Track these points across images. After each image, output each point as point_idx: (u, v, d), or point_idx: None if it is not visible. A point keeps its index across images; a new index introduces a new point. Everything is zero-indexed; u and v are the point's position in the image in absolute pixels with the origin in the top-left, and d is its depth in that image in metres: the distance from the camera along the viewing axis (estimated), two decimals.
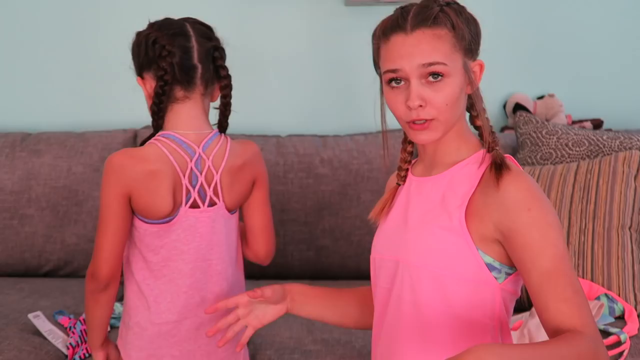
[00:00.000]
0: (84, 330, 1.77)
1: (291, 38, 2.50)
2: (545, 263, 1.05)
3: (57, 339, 1.76)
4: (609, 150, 2.10)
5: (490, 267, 1.12)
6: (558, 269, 1.05)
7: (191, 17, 1.55)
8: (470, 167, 1.17)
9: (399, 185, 1.30)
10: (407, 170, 1.29)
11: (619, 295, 1.87)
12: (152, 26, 1.53)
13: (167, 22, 1.53)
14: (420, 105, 1.12)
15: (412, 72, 1.11)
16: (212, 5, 2.43)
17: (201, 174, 1.50)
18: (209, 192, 1.51)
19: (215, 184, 1.51)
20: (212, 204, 1.51)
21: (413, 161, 1.30)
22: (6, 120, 2.49)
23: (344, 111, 2.52)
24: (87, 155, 2.27)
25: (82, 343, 1.74)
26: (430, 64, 1.11)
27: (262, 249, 1.63)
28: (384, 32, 1.16)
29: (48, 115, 2.49)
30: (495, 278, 1.12)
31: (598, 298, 1.84)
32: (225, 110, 1.56)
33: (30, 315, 1.81)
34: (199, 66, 1.49)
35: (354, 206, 2.25)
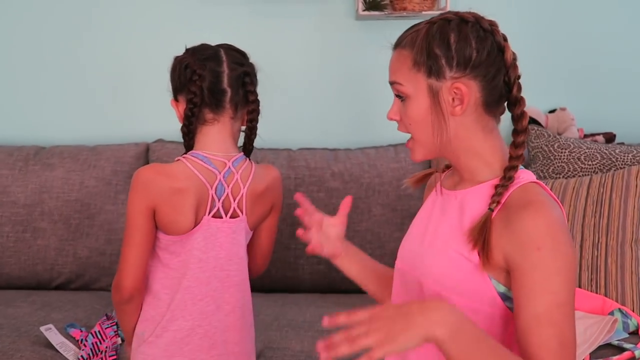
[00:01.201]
0: (95, 343, 1.78)
1: (302, 52, 2.51)
2: (538, 308, 1.00)
3: (69, 351, 1.76)
4: (621, 164, 2.09)
5: (504, 297, 1.08)
6: (550, 318, 1.00)
7: (226, 44, 1.60)
8: (492, 190, 1.11)
9: (436, 171, 1.28)
10: (449, 167, 1.26)
11: (633, 310, 1.85)
12: (188, 51, 1.58)
13: (202, 47, 1.58)
14: (395, 119, 1.17)
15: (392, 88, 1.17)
16: (224, 20, 2.46)
17: (228, 186, 1.54)
18: (234, 204, 1.55)
19: (241, 197, 1.55)
20: (234, 216, 1.55)
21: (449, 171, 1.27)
22: (20, 134, 2.51)
23: (355, 125, 2.52)
24: (99, 169, 2.29)
25: (93, 356, 1.74)
26: (392, 83, 1.15)
27: (256, 266, 1.70)
28: None
29: (61, 129, 2.52)
30: (509, 308, 1.09)
31: (612, 313, 1.83)
32: (250, 134, 1.60)
33: (42, 328, 1.82)
34: (229, 90, 1.54)
35: (365, 220, 2.25)
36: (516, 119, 1.14)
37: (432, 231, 1.18)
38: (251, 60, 1.61)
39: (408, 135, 1.20)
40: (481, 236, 1.06)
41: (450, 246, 1.12)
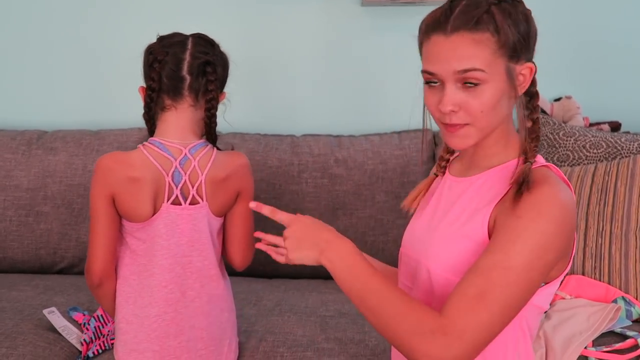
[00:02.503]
0: (98, 327, 1.78)
1: (307, 38, 2.50)
2: (485, 260, 0.99)
3: (72, 335, 1.76)
4: (627, 153, 2.08)
5: None
6: (486, 271, 0.97)
7: (200, 33, 1.60)
8: (505, 172, 1.11)
9: (437, 175, 1.27)
10: (447, 161, 1.25)
11: (637, 298, 1.85)
12: (158, 39, 1.60)
13: (171, 35, 1.59)
14: (453, 111, 1.08)
15: (448, 77, 1.07)
16: (228, 6, 2.44)
17: (185, 173, 1.54)
18: (192, 191, 1.55)
19: (200, 183, 1.55)
20: (194, 203, 1.55)
21: (454, 155, 1.26)
22: (23, 119, 2.51)
23: (359, 111, 2.51)
24: (102, 154, 2.25)
25: (96, 339, 1.74)
26: (467, 71, 1.05)
27: (238, 257, 1.67)
28: (427, 29, 1.10)
29: (64, 114, 2.51)
30: None
31: (615, 301, 1.82)
32: (210, 122, 1.59)
33: (45, 311, 1.82)
34: (188, 78, 1.54)
35: (369, 206, 2.24)
36: (531, 95, 1.15)
37: (440, 218, 1.17)
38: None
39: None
40: (526, 183, 1.04)
41: (460, 231, 1.11)
